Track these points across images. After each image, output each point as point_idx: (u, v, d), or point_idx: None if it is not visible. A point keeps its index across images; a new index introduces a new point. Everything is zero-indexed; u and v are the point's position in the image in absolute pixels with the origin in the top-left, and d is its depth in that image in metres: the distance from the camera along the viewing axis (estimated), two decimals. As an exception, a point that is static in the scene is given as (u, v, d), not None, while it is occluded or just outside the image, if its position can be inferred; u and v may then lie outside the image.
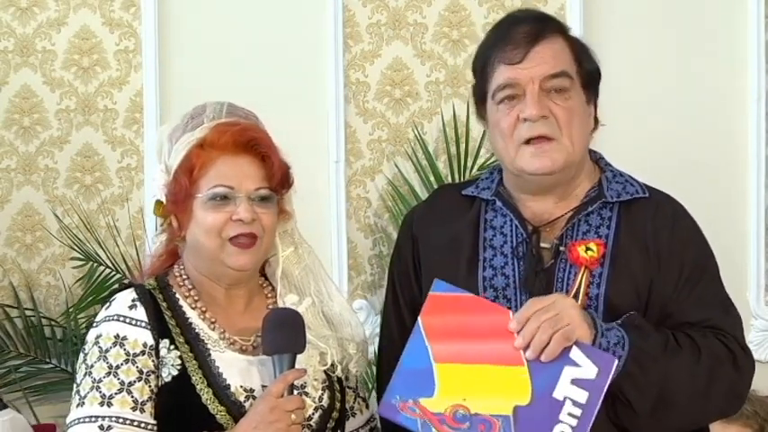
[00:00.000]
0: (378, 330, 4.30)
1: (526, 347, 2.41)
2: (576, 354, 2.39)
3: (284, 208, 2.64)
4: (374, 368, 4.07)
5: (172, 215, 2.60)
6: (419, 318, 2.49)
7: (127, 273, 4.21)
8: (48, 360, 4.31)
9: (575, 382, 2.38)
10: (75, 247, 4.24)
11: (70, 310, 4.29)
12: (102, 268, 4.24)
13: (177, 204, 2.58)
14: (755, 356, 4.47)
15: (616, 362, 2.39)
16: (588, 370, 2.38)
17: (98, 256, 4.24)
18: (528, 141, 2.56)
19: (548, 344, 2.39)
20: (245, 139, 2.56)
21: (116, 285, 4.12)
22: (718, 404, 2.56)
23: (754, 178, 4.51)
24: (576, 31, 4.33)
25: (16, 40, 4.35)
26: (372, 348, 4.26)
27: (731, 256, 4.38)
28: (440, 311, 2.48)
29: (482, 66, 2.62)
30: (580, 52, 2.62)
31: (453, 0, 4.47)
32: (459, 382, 2.43)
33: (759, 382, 3.65)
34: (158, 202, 2.64)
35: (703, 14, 4.50)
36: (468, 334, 2.45)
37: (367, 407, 2.76)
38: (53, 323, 4.34)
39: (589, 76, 2.62)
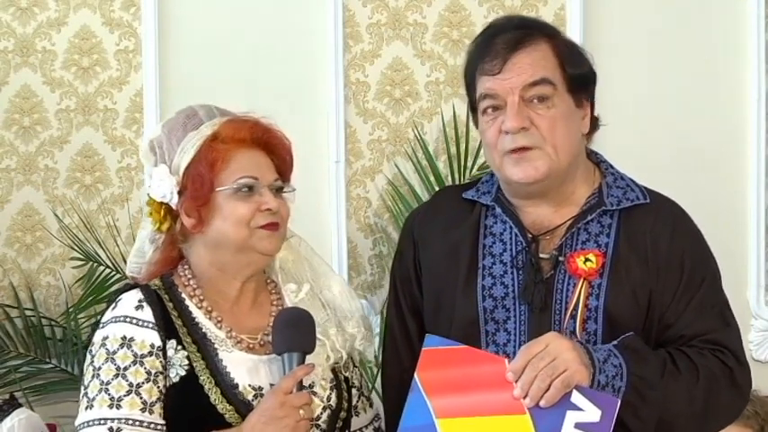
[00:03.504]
0: (378, 330, 4.32)
1: (525, 396, 2.40)
2: (576, 398, 2.39)
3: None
4: (374, 369, 4.08)
5: (186, 213, 2.60)
6: (415, 374, 2.48)
7: (127, 273, 4.21)
8: (48, 360, 4.30)
9: (579, 426, 2.38)
10: (75, 247, 4.24)
11: (70, 310, 4.28)
12: (102, 268, 4.24)
13: (198, 199, 2.58)
14: (755, 356, 4.52)
15: (618, 403, 2.39)
16: (591, 413, 2.38)
17: (98, 256, 4.23)
18: (511, 151, 2.56)
19: (546, 391, 2.39)
20: (260, 132, 2.61)
21: (116, 285, 4.15)
22: (717, 422, 2.59)
23: (754, 178, 4.51)
24: (575, 30, 4.40)
25: (16, 40, 4.34)
26: (372, 348, 4.27)
27: (731, 256, 4.38)
28: (435, 366, 2.47)
29: (469, 76, 2.61)
30: (567, 56, 2.58)
31: (453, 0, 4.47)
32: None
33: (759, 382, 3.65)
34: (158, 206, 2.63)
35: (703, 14, 4.49)
36: (466, 386, 2.44)
37: (371, 405, 2.78)
38: (53, 323, 4.33)
39: (577, 80, 2.58)
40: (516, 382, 2.41)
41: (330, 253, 4.35)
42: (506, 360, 2.45)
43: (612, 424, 2.37)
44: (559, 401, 2.38)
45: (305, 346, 2.53)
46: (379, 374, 2.89)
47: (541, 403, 2.38)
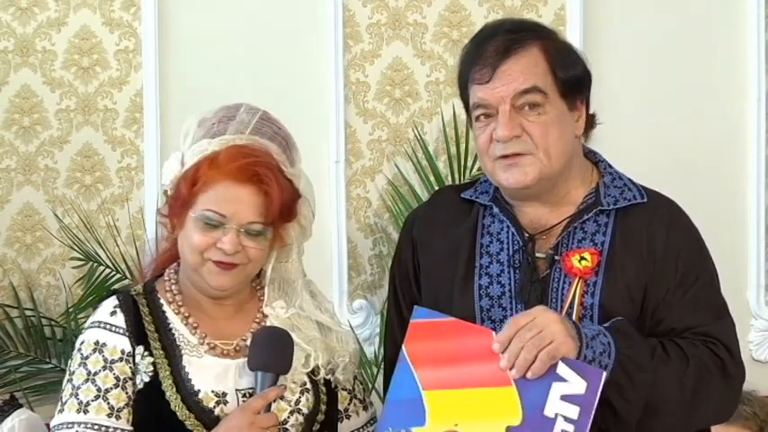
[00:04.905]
0: (378, 330, 4.34)
1: (512, 367, 2.40)
2: (562, 369, 2.38)
3: (282, 236, 2.62)
4: (373, 368, 4.09)
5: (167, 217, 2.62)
6: (403, 346, 2.47)
7: (127, 273, 4.21)
8: (48, 360, 4.31)
9: (564, 398, 2.37)
10: (75, 247, 4.24)
11: (70, 310, 4.29)
12: (102, 268, 4.24)
13: (173, 209, 2.59)
14: (755, 356, 4.53)
15: (604, 375, 2.38)
16: (577, 385, 2.37)
17: (98, 256, 4.24)
18: (502, 157, 2.56)
19: (533, 362, 2.38)
20: (251, 172, 2.53)
21: (116, 286, 4.15)
22: (706, 413, 2.56)
23: (754, 178, 4.51)
24: (575, 30, 4.41)
25: (16, 40, 4.34)
26: (373, 348, 4.28)
27: (731, 256, 4.39)
28: (423, 338, 2.47)
29: (461, 81, 2.61)
30: (558, 60, 2.56)
31: (453, 0, 4.47)
32: (449, 408, 2.41)
33: (759, 383, 3.65)
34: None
35: (703, 14, 4.50)
36: (453, 358, 2.43)
37: (365, 409, 2.75)
38: (53, 323, 4.34)
39: (569, 84, 2.57)
40: (503, 353, 2.40)
41: (330, 253, 4.36)
42: (493, 332, 2.44)
43: (598, 396, 2.36)
44: (545, 373, 2.38)
45: (280, 368, 2.53)
46: (380, 375, 2.88)
47: (528, 375, 2.38)
